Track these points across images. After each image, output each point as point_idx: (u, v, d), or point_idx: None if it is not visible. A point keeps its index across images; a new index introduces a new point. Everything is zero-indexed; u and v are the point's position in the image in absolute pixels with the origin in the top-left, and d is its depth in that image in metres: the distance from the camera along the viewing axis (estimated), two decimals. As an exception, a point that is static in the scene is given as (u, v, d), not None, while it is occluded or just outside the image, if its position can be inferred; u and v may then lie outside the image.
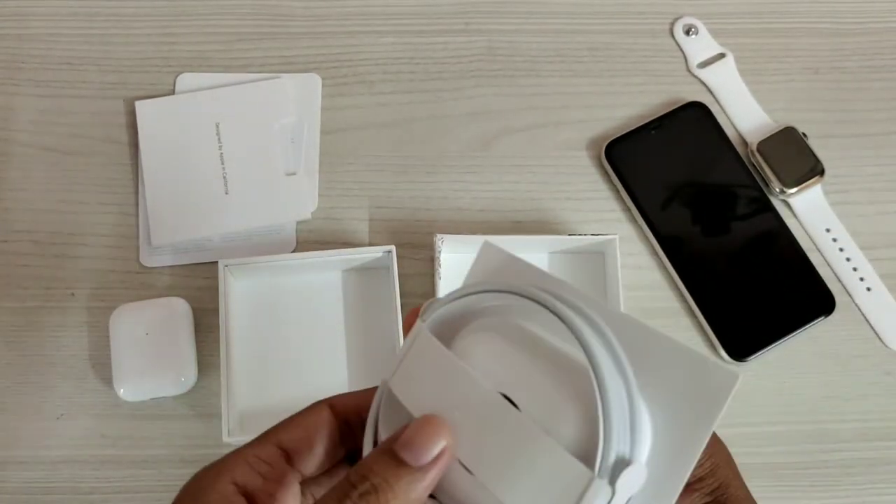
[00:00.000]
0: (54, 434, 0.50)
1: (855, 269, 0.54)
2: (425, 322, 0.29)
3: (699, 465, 0.27)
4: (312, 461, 0.30)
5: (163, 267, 0.53)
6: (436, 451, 0.25)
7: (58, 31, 0.57)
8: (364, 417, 0.30)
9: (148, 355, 0.49)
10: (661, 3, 0.59)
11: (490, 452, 0.25)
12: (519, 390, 0.26)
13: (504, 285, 0.28)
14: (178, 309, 0.50)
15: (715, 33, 0.58)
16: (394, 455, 0.25)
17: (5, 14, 0.57)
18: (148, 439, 0.50)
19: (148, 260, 0.53)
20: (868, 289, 0.54)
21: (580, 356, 0.25)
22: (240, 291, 0.52)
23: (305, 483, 0.31)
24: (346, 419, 0.31)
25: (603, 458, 0.24)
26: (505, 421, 0.25)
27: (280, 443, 0.30)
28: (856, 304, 0.53)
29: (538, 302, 0.26)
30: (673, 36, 0.58)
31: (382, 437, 0.29)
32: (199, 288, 0.52)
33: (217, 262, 0.50)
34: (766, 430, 0.51)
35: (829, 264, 0.54)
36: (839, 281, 0.54)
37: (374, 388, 0.30)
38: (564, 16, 0.59)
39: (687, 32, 0.58)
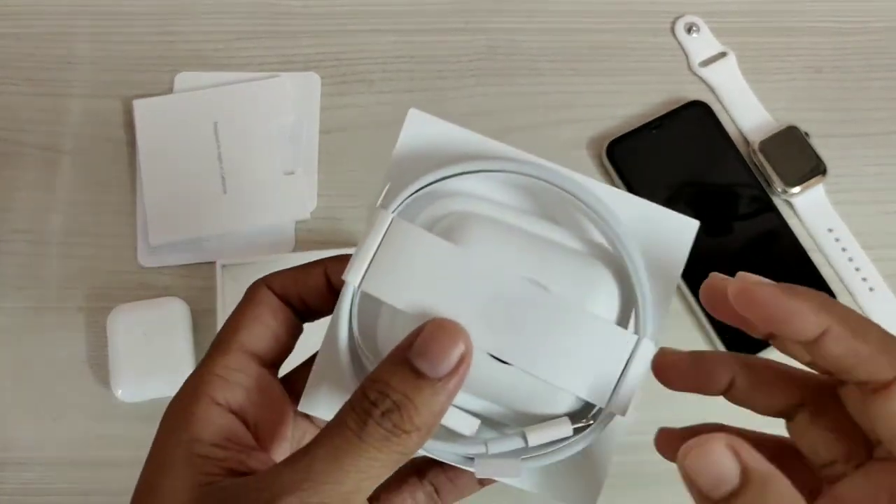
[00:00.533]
0: (52, 435, 0.49)
1: (857, 270, 0.54)
2: (393, 211, 0.27)
3: None
4: (281, 353, 0.29)
5: (161, 267, 0.52)
6: (455, 358, 0.24)
7: (56, 29, 0.57)
8: (304, 298, 0.29)
9: (146, 356, 0.48)
10: (662, 2, 0.59)
11: (527, 338, 0.25)
12: (536, 272, 0.26)
13: (514, 166, 0.29)
14: (176, 309, 0.50)
15: (716, 32, 0.58)
16: (410, 366, 0.23)
17: (3, 13, 0.57)
18: (146, 440, 0.49)
19: (146, 260, 0.52)
20: (871, 289, 0.53)
21: (558, 235, 0.28)
22: (238, 292, 0.51)
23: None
24: (288, 300, 0.29)
25: (642, 321, 0.26)
26: (537, 303, 0.26)
27: (244, 346, 0.28)
28: (858, 305, 0.53)
29: (566, 190, 0.28)
30: (674, 35, 0.58)
31: (366, 349, 0.27)
32: (198, 288, 0.52)
33: (215, 262, 0.49)
34: (767, 430, 0.51)
35: (831, 264, 0.54)
36: (841, 281, 0.54)
37: (309, 265, 0.29)
38: (565, 14, 0.58)
39: (688, 31, 0.58)
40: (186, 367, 0.49)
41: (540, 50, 0.57)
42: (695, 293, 0.52)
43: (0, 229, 0.53)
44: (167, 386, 0.49)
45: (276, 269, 0.50)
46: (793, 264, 0.53)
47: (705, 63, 0.58)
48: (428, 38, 0.57)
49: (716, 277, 0.27)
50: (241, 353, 0.28)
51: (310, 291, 0.29)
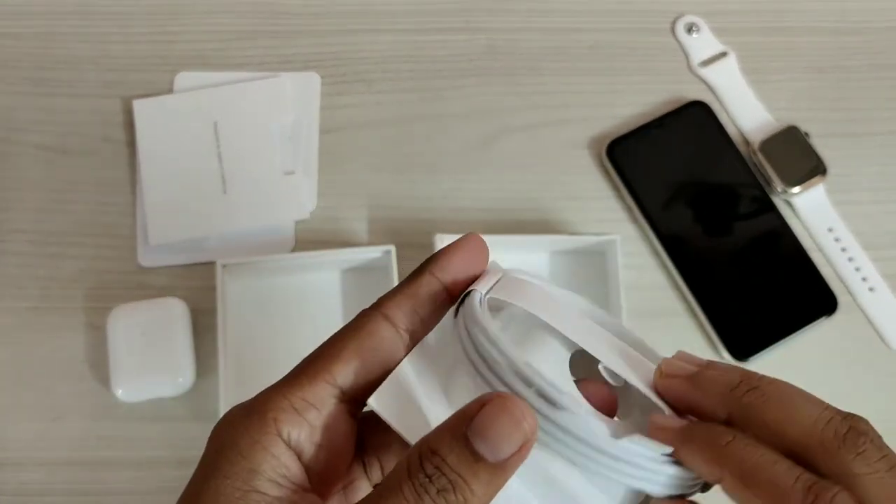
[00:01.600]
0: (51, 435, 0.49)
1: (857, 269, 0.54)
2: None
3: None
4: (372, 391, 0.26)
5: (160, 267, 0.52)
6: (517, 443, 0.22)
7: (55, 29, 0.56)
8: (418, 311, 0.27)
9: (146, 356, 0.48)
10: (662, 2, 0.59)
11: None
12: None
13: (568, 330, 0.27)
14: (176, 309, 0.50)
15: (717, 32, 0.58)
16: (469, 447, 0.22)
17: (2, 13, 0.57)
18: (146, 441, 0.50)
19: (145, 260, 0.52)
20: (871, 289, 0.53)
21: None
22: (238, 292, 0.51)
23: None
24: (408, 330, 0.27)
25: None
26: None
27: (334, 379, 0.25)
28: (858, 305, 0.53)
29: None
30: (675, 34, 0.58)
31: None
32: (197, 288, 0.52)
33: (215, 262, 0.49)
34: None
35: (831, 264, 0.54)
36: (841, 281, 0.53)
37: (412, 276, 0.27)
38: (565, 14, 0.58)
39: (689, 31, 0.58)
40: (186, 368, 0.49)
41: (540, 50, 0.57)
42: (695, 293, 0.52)
43: (0, 229, 0.53)
44: (167, 386, 0.49)
45: (276, 269, 0.51)
46: (793, 264, 0.53)
47: (705, 63, 0.58)
48: (428, 38, 0.57)
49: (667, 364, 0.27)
50: (327, 385, 0.26)
51: (423, 303, 0.27)
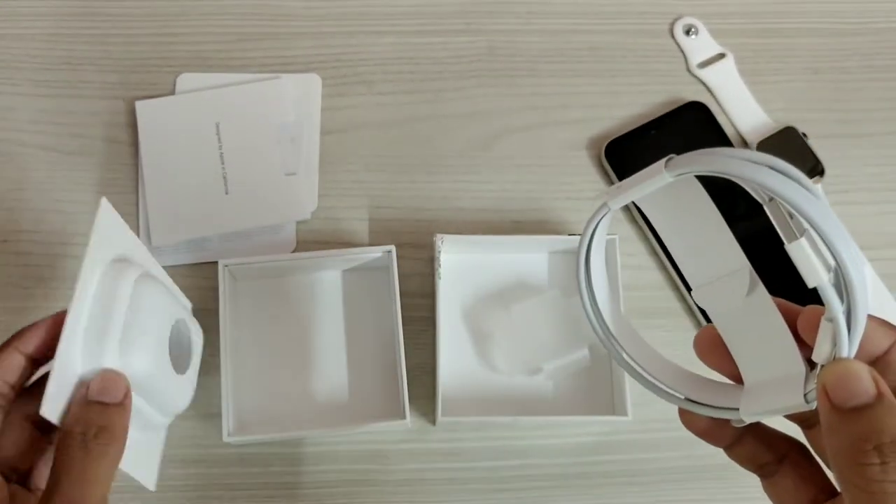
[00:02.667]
0: (54, 434, 0.50)
1: (855, 269, 0.54)
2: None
3: None
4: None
5: (163, 267, 0.52)
6: (123, 389, 0.36)
7: (57, 30, 0.57)
8: (13, 387, 0.36)
9: (148, 355, 0.49)
10: (661, 3, 0.59)
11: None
12: None
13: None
14: (178, 309, 0.50)
15: (715, 33, 0.58)
16: (97, 402, 0.35)
17: (4, 14, 0.57)
18: (148, 439, 0.50)
19: (148, 260, 0.53)
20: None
21: None
22: (240, 292, 0.52)
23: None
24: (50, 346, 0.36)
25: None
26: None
27: None
28: (856, 304, 0.53)
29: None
30: (673, 36, 0.58)
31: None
32: (199, 288, 0.52)
33: (217, 262, 0.49)
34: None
35: (829, 264, 0.54)
36: (839, 281, 0.54)
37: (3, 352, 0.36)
38: (565, 16, 0.59)
39: (687, 32, 0.58)
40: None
41: (539, 51, 0.58)
42: (693, 293, 0.52)
43: (2, 229, 0.53)
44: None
45: (276, 270, 0.51)
46: (792, 265, 0.53)
47: (703, 64, 0.58)
48: (428, 40, 0.58)
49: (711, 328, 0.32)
50: None
51: (12, 374, 0.36)
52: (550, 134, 0.56)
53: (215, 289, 0.50)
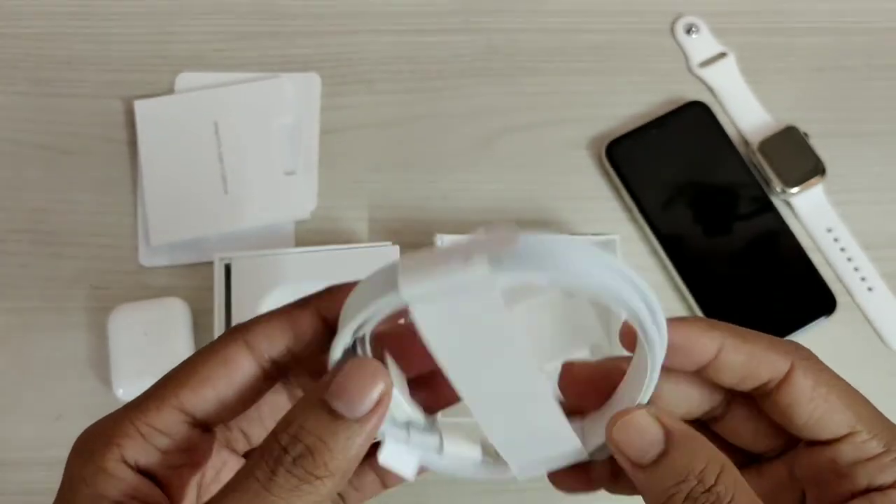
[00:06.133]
0: (53, 435, 0.50)
1: (856, 269, 0.54)
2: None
3: None
4: (228, 416, 0.26)
5: (161, 267, 0.52)
6: (374, 397, 0.22)
7: (56, 29, 0.57)
8: (292, 349, 0.25)
9: (147, 356, 0.48)
10: (661, 3, 0.59)
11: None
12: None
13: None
14: (177, 309, 0.50)
15: (716, 32, 0.58)
16: (325, 407, 0.22)
17: (2, 13, 0.57)
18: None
19: (146, 260, 0.52)
20: (869, 289, 0.53)
21: None
22: (237, 290, 0.51)
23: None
24: (273, 359, 0.25)
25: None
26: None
27: (183, 406, 0.24)
28: (857, 305, 0.53)
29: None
30: (674, 35, 0.58)
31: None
32: (198, 288, 0.52)
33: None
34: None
35: (830, 264, 0.54)
36: (840, 281, 0.54)
37: (296, 308, 0.26)
38: (565, 14, 0.58)
39: (688, 32, 0.58)
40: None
41: (540, 50, 0.58)
42: (694, 293, 0.52)
43: (0, 229, 0.53)
44: (168, 386, 0.49)
45: (274, 266, 0.50)
46: (792, 264, 0.53)
47: (705, 63, 0.58)
48: (428, 39, 0.57)
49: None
50: (175, 411, 0.25)
51: (299, 340, 0.25)
52: (551, 133, 0.56)
53: (213, 288, 0.49)
